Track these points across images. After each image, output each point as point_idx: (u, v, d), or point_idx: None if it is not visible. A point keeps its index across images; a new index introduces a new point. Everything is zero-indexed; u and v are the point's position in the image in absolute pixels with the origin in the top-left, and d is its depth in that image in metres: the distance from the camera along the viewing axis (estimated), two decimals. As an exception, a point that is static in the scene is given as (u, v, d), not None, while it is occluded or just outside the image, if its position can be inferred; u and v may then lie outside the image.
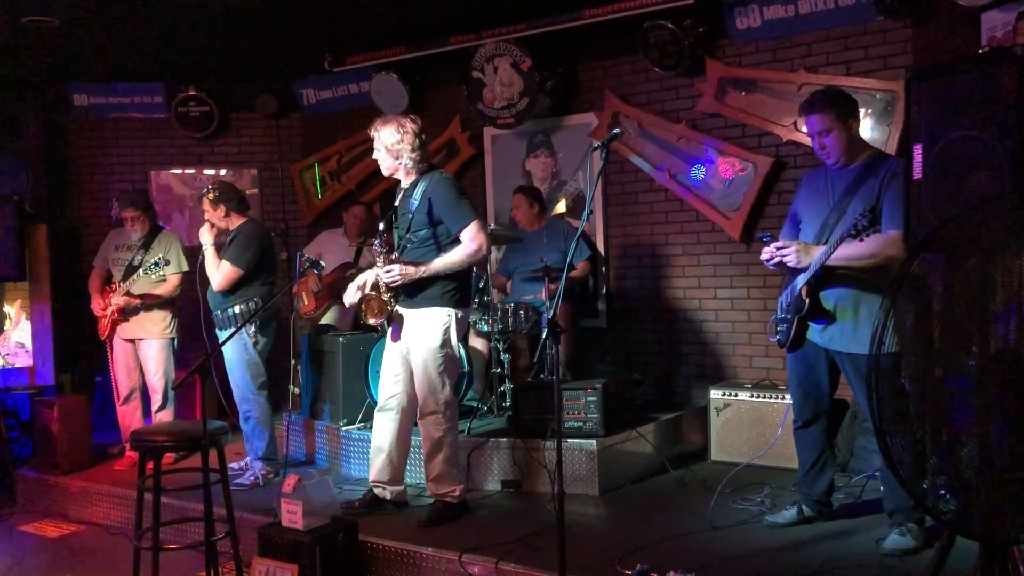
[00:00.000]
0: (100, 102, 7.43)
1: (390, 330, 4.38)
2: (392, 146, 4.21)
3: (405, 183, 4.34)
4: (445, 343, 4.25)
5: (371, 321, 4.29)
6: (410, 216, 4.24)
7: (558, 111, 6.39)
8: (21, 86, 7.09)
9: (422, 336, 4.25)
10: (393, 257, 4.24)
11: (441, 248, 4.22)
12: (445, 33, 6.32)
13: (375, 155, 4.33)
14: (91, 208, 7.50)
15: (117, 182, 7.47)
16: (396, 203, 4.37)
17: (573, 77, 6.35)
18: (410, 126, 4.22)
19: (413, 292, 4.25)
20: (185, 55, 6.74)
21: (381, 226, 4.31)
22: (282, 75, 7.43)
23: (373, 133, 4.27)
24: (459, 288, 4.28)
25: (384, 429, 4.45)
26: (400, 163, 4.25)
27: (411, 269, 4.16)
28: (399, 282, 4.17)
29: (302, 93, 7.56)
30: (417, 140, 4.22)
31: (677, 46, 5.57)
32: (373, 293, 4.27)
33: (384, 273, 4.20)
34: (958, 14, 4.42)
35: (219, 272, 5.08)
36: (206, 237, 5.16)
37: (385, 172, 4.35)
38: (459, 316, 4.30)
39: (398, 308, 4.31)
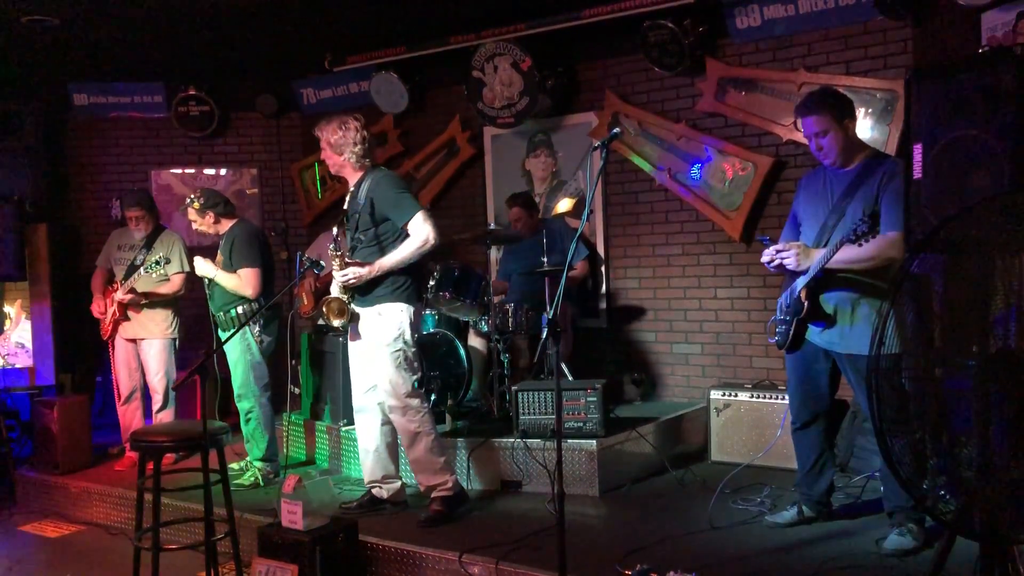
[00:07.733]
0: (100, 102, 7.43)
1: (349, 330, 4.41)
2: (334, 142, 4.30)
3: (352, 183, 4.39)
4: (399, 338, 4.27)
5: (334, 323, 4.31)
6: (357, 215, 4.30)
7: (558, 111, 6.38)
8: (21, 86, 7.09)
9: (377, 334, 4.28)
10: (347, 259, 4.27)
11: (388, 245, 4.27)
12: (445, 33, 6.32)
13: (322, 155, 4.41)
14: (91, 208, 7.51)
15: (117, 182, 7.48)
16: (345, 204, 4.41)
17: (573, 77, 6.35)
18: (352, 123, 4.32)
19: (365, 291, 4.29)
20: (185, 55, 6.74)
21: (335, 230, 4.32)
22: (282, 75, 7.43)
23: (317, 133, 4.37)
24: (411, 283, 4.33)
25: (366, 430, 4.49)
26: (344, 159, 4.32)
27: (364, 270, 4.20)
28: (353, 284, 4.22)
29: (302, 93, 7.56)
30: (359, 135, 4.29)
31: (677, 45, 5.57)
32: (334, 295, 4.31)
33: (339, 276, 4.25)
34: (958, 14, 4.40)
35: (243, 280, 5.03)
36: (208, 269, 5.06)
37: (332, 170, 4.43)
38: (412, 311, 4.32)
39: (353, 307, 4.33)
